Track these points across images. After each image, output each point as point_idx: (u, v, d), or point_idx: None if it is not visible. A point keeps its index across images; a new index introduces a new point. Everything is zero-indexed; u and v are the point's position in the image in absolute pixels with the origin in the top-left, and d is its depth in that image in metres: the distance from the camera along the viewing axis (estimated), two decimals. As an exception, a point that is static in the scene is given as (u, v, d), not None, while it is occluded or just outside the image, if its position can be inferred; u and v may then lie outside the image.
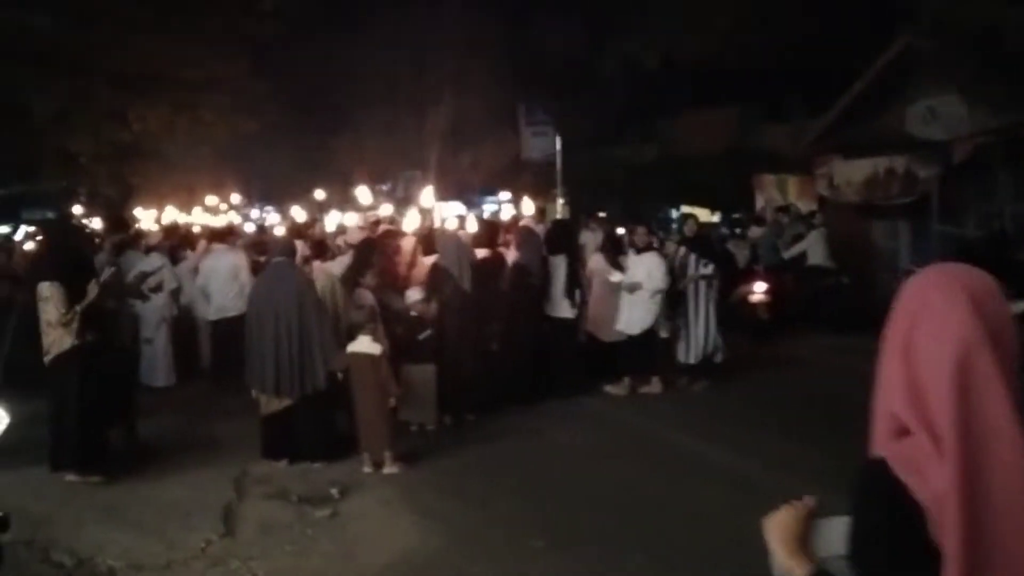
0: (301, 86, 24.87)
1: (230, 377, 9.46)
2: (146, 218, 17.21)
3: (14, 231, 19.81)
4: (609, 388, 9.16)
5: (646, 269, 8.97)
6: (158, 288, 9.97)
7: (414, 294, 7.80)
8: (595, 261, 9.90)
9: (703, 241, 9.93)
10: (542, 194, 22.09)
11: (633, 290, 8.94)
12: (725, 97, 20.42)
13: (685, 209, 22.04)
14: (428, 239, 9.25)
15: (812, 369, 10.70)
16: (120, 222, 12.00)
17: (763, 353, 11.40)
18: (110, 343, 6.90)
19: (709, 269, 9.32)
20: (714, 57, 18.87)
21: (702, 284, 9.36)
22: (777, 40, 17.77)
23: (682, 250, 9.59)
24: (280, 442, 7.04)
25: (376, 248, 8.70)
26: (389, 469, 6.73)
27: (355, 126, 26.72)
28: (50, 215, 27.41)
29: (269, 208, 23.64)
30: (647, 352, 9.11)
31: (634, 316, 9.04)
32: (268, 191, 29.46)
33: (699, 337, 9.35)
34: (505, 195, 25.27)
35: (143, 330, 9.89)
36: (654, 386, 9.12)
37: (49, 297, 6.37)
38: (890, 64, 13.16)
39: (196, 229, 14.54)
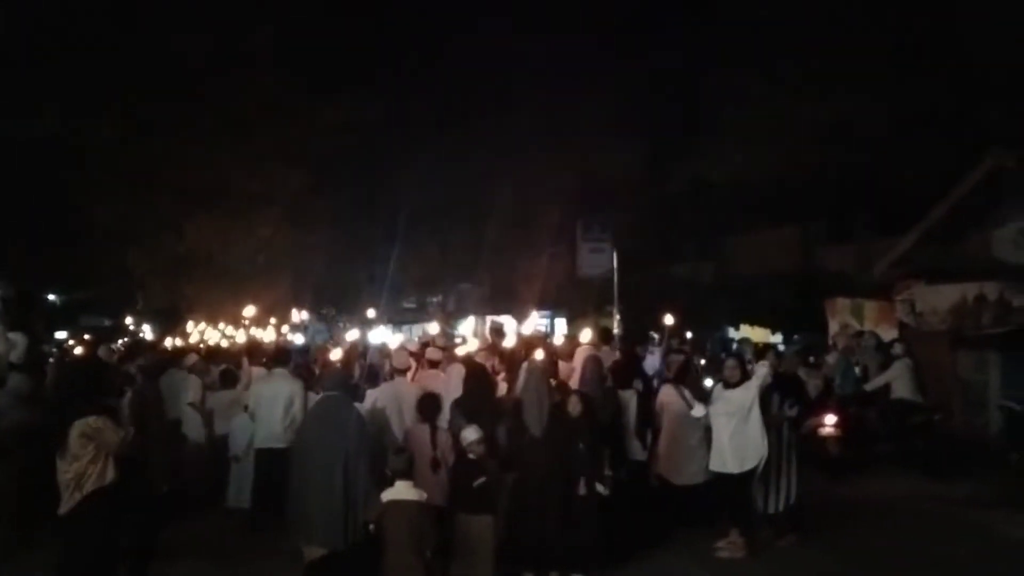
0: (360, 199, 24.87)
1: (269, 513, 8.86)
2: (195, 332, 16.92)
3: (72, 337, 19.83)
4: (721, 549, 8.08)
5: (740, 403, 8.05)
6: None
7: (470, 434, 7.04)
8: (667, 394, 9.05)
9: (789, 378, 9.05)
10: (597, 312, 21.56)
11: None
12: (787, 215, 19.89)
13: (745, 329, 21.32)
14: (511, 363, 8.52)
15: (904, 518, 9.64)
16: (138, 347, 11.56)
17: (843, 496, 10.41)
18: (135, 483, 6.27)
19: (794, 411, 8.44)
20: (778, 176, 18.42)
21: (784, 426, 8.47)
22: (845, 159, 17.31)
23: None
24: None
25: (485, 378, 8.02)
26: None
27: (411, 238, 26.62)
28: (107, 323, 27.53)
29: (321, 327, 23.29)
30: (742, 497, 8.10)
31: (747, 451, 8.05)
32: (322, 304, 29.22)
33: (780, 484, 8.40)
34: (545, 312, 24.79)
35: (232, 447, 9.53)
36: (734, 539, 8.12)
37: (101, 428, 5.88)
38: (977, 185, 12.46)
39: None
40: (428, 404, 7.50)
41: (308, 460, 6.38)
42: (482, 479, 6.87)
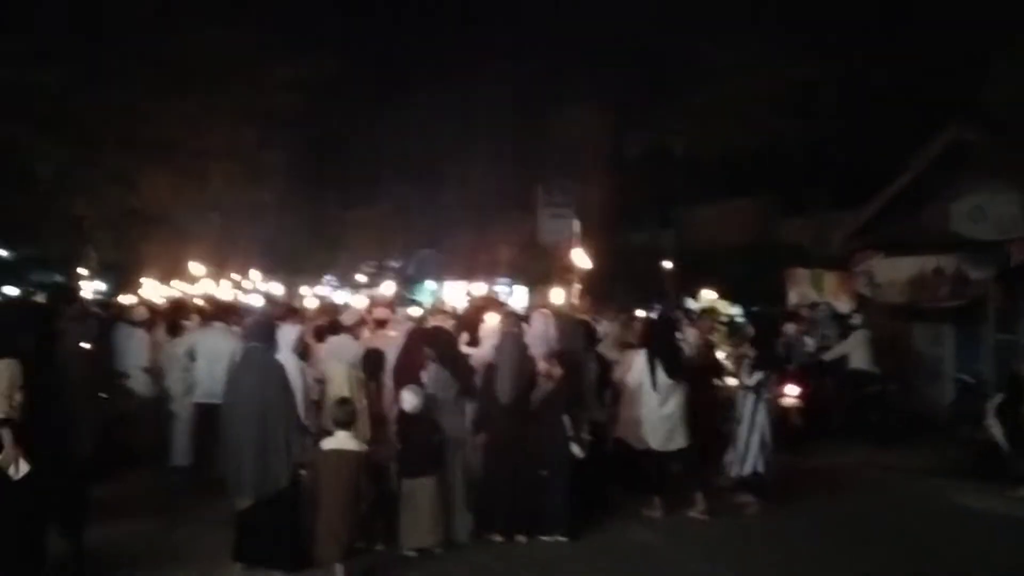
0: (315, 159, 24.45)
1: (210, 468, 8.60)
2: (149, 288, 16.48)
3: (24, 294, 19.37)
4: (647, 512, 8.07)
5: None
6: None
7: (411, 396, 6.84)
8: (638, 360, 8.87)
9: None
10: (557, 278, 21.42)
11: None
12: (745, 186, 19.87)
13: (706, 297, 21.38)
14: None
15: (859, 487, 9.72)
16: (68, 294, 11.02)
17: (801, 465, 10.41)
18: (58, 442, 5.97)
19: (754, 379, 8.40)
20: (737, 147, 18.41)
21: (752, 394, 8.42)
22: (807, 132, 17.31)
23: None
24: (244, 543, 6.26)
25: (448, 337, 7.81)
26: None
27: (369, 202, 26.26)
28: (58, 279, 26.83)
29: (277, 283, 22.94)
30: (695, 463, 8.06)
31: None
32: (278, 264, 28.77)
33: (750, 449, 8.35)
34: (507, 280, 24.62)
35: (172, 403, 9.37)
36: (699, 506, 8.09)
37: None
38: (935, 158, 12.48)
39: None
40: (371, 361, 7.34)
41: (235, 412, 6.31)
42: (439, 436, 6.73)
